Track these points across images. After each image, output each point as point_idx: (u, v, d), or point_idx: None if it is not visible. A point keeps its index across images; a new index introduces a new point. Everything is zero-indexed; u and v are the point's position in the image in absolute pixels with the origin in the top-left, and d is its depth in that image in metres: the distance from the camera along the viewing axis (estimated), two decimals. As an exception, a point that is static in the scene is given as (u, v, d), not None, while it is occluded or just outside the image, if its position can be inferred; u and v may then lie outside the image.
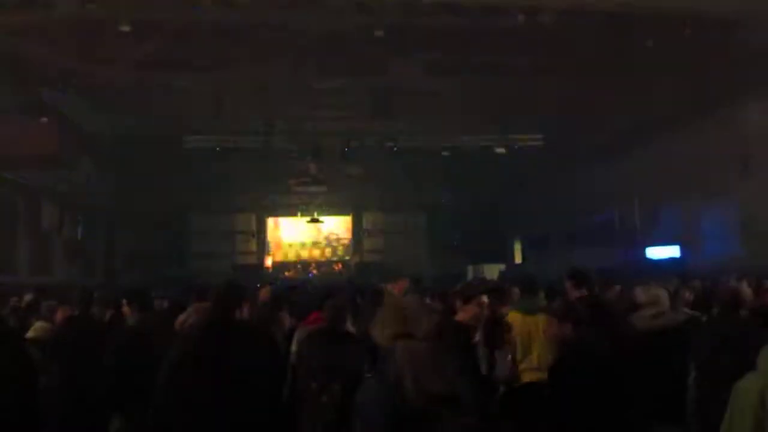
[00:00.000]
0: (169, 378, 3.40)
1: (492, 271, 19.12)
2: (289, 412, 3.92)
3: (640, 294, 5.34)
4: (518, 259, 26.17)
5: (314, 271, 27.74)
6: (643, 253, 17.41)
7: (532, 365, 4.76)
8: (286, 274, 26.82)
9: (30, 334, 5.76)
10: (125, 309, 5.41)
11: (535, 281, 5.69)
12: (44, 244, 16.54)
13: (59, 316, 6.01)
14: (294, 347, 4.73)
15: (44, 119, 12.94)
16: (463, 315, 4.03)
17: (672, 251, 16.44)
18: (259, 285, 8.34)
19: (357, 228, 29.38)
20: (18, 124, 12.52)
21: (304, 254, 29.15)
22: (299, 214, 27.93)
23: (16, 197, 15.01)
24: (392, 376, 2.50)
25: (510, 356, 4.30)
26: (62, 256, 17.66)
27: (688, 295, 6.55)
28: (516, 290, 6.23)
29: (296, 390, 4.01)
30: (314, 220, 27.57)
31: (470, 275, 19.08)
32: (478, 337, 4.37)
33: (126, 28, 12.11)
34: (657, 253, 16.94)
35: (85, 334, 5.37)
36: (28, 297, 8.33)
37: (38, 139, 12.44)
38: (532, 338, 4.84)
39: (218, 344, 3.42)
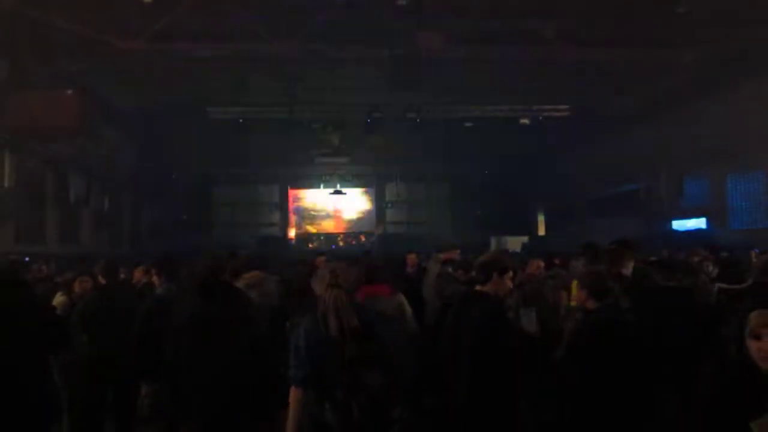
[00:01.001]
0: (175, 339, 4.07)
1: (515, 243, 19.05)
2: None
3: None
4: (541, 231, 26.02)
5: (340, 243, 27.88)
6: (669, 225, 17.22)
7: None
8: (309, 245, 26.98)
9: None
10: (154, 278, 5.49)
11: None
12: (72, 215, 16.79)
13: (77, 287, 6.11)
14: None
15: (69, 91, 13.01)
16: (493, 287, 4.02)
17: (698, 223, 16.24)
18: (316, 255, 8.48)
19: (380, 199, 29.38)
20: (43, 96, 12.61)
21: (328, 226, 29.27)
22: (322, 185, 27.99)
23: (44, 169, 15.21)
24: (320, 313, 3.33)
25: (534, 313, 4.32)
26: (89, 227, 17.93)
27: (712, 268, 6.48)
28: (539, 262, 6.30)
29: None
30: (337, 192, 27.61)
31: (493, 247, 19.02)
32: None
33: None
34: (683, 224, 16.74)
35: (113, 303, 5.47)
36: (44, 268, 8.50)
37: (63, 112, 12.54)
38: None
39: (210, 303, 4.12)
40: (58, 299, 6.15)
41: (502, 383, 3.69)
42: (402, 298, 5.34)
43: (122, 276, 6.70)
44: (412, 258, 8.63)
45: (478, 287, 4.06)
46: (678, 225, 16.93)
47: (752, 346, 2.63)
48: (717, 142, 14.98)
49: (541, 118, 20.11)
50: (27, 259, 9.69)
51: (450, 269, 6.92)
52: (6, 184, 12.91)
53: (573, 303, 5.15)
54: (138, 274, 6.86)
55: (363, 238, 28.35)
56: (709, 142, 15.28)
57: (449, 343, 4.00)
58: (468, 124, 20.65)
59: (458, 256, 7.22)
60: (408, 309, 5.29)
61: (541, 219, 26.65)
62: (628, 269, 4.98)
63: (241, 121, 19.86)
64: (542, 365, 4.07)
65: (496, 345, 3.72)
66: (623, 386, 3.61)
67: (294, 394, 3.37)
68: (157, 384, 4.63)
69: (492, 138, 22.02)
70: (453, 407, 3.82)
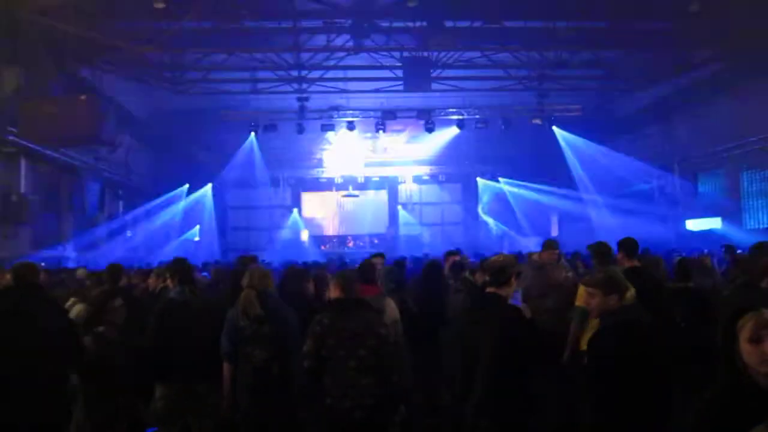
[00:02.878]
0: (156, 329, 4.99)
1: (528, 244, 18.97)
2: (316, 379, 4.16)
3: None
4: (554, 232, 25.90)
5: (350, 245, 27.88)
6: (683, 224, 17.09)
7: None
8: (322, 248, 27.01)
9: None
10: (168, 282, 5.57)
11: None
12: (88, 221, 16.92)
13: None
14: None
15: (83, 98, 13.13)
16: (506, 289, 4.07)
17: (712, 223, 16.10)
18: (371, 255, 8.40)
19: (393, 201, 29.39)
20: (58, 103, 12.73)
21: (340, 228, 29.30)
22: (335, 188, 28.03)
23: (60, 175, 15.35)
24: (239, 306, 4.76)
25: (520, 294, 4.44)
26: (105, 232, 18.06)
27: (728, 267, 6.45)
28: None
29: (322, 357, 4.11)
30: (350, 195, 27.64)
31: (506, 248, 18.99)
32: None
33: (161, 5, 12.24)
34: (697, 225, 16.60)
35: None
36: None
37: (78, 118, 12.65)
38: None
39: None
40: (77, 308, 6.18)
41: (520, 385, 3.73)
42: (387, 300, 5.38)
43: (134, 281, 6.78)
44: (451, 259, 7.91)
45: (491, 289, 4.08)
46: (692, 225, 16.78)
47: (751, 351, 2.30)
48: (731, 140, 14.86)
49: (553, 117, 20.05)
50: (43, 264, 9.80)
51: (467, 273, 6.97)
52: (22, 189, 13.04)
53: (578, 303, 5.15)
54: (152, 280, 6.94)
55: (376, 240, 28.33)
56: (723, 140, 15.17)
57: (467, 344, 4.03)
58: (480, 126, 20.63)
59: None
60: (390, 310, 5.29)
61: (554, 219, 26.52)
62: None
63: (253, 124, 19.97)
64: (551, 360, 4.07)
65: (517, 348, 3.76)
66: (644, 388, 3.60)
67: (225, 365, 4.79)
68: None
69: (505, 138, 21.99)
70: (471, 408, 3.85)
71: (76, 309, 6.13)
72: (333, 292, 4.44)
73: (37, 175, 13.98)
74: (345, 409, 4.02)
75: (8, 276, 6.01)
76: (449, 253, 8.29)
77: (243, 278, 4.99)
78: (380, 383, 4.10)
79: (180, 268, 5.45)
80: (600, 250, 5.68)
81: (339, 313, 4.25)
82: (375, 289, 5.46)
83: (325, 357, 4.11)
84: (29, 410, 3.88)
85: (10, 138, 12.50)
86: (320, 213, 29.58)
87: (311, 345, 4.15)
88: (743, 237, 13.15)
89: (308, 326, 4.25)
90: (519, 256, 6.09)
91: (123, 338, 4.73)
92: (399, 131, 23.47)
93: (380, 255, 8.05)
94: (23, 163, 13.21)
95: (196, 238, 24.85)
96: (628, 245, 5.47)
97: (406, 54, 15.76)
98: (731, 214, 15.48)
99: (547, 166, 24.70)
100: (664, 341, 3.86)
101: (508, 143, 22.53)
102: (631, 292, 3.99)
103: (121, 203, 19.44)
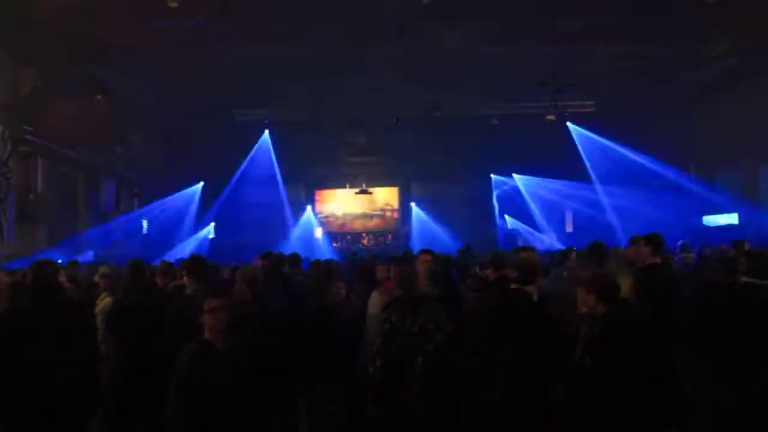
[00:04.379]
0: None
1: (542, 241, 18.90)
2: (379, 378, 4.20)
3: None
4: (569, 228, 25.76)
5: (365, 242, 27.90)
6: (700, 220, 16.92)
7: None
8: (334, 245, 27.06)
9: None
10: (185, 279, 5.59)
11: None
12: (103, 219, 17.04)
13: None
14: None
15: (98, 97, 13.21)
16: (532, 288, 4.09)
17: (730, 218, 15.92)
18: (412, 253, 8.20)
19: (406, 198, 29.35)
20: (73, 102, 12.82)
21: (354, 225, 29.33)
22: (348, 185, 28.03)
23: (76, 173, 15.46)
24: None
25: None
26: (120, 230, 18.17)
27: (745, 262, 6.34)
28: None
29: (387, 354, 4.14)
30: (363, 191, 27.63)
31: (521, 244, 18.89)
32: None
33: (174, 4, 12.26)
34: (714, 220, 16.43)
35: (141, 305, 5.55)
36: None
37: (93, 117, 12.75)
38: None
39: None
40: (104, 300, 6.24)
41: (541, 380, 3.73)
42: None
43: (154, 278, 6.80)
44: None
45: (516, 286, 4.08)
46: (709, 221, 16.60)
47: None
48: (750, 134, 14.68)
49: (567, 114, 19.90)
50: (60, 261, 9.87)
51: (477, 269, 6.88)
52: (39, 188, 13.14)
53: (584, 309, 5.11)
54: (160, 279, 6.94)
55: (390, 238, 28.32)
56: (741, 134, 14.98)
57: (490, 339, 4.04)
58: (494, 122, 20.53)
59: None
60: None
61: (568, 215, 26.35)
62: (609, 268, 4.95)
63: (266, 122, 20.00)
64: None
65: (540, 344, 3.76)
66: (643, 385, 3.58)
67: None
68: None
69: (518, 135, 21.86)
70: (492, 405, 3.86)
71: (104, 302, 6.20)
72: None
73: (53, 174, 14.09)
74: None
75: (7, 279, 6.12)
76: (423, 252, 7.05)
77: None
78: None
79: (196, 265, 5.46)
80: (595, 251, 5.61)
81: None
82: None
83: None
84: (53, 407, 3.93)
85: (27, 137, 12.61)
86: (334, 210, 29.61)
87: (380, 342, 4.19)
88: (762, 232, 12.99)
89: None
90: (603, 251, 5.87)
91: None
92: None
93: (428, 251, 6.89)
94: (40, 162, 13.32)
95: (211, 236, 24.99)
96: (656, 241, 5.38)
97: (416, 49, 15.66)
98: (750, 209, 15.29)
99: (561, 162, 24.57)
100: (663, 337, 3.86)
101: (522, 139, 22.36)
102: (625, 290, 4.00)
103: (136, 201, 19.55)
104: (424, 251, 6.78)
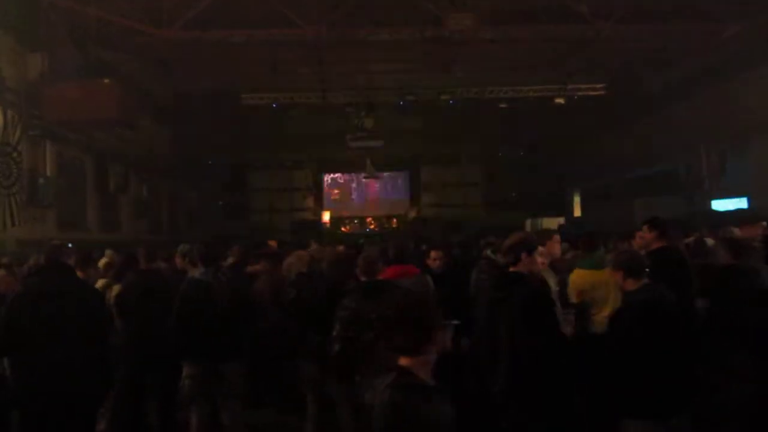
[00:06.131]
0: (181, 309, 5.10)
1: (551, 224, 18.83)
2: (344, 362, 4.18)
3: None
4: (577, 212, 25.66)
5: (372, 226, 27.89)
6: (709, 204, 16.82)
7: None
8: (342, 229, 27.07)
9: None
10: (183, 263, 5.64)
11: (593, 237, 5.60)
12: (112, 203, 17.10)
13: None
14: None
15: (106, 81, 13.20)
16: (525, 267, 4.02)
17: (739, 203, 15.81)
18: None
19: (414, 182, 29.30)
20: (81, 87, 12.82)
21: (361, 209, 29.31)
22: (356, 169, 27.99)
23: (84, 158, 15.49)
24: None
25: (573, 315, 4.56)
26: (128, 214, 18.25)
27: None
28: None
29: (348, 340, 4.16)
30: (371, 175, 27.59)
31: (528, 228, 18.85)
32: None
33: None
34: (724, 205, 16.32)
35: (151, 288, 5.59)
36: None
37: (101, 101, 12.74)
38: (604, 292, 4.90)
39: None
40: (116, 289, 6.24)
41: (544, 367, 3.69)
42: (428, 278, 5.48)
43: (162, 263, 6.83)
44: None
45: (511, 269, 4.06)
46: (719, 205, 16.48)
47: None
48: (760, 118, 14.54)
49: (576, 97, 19.79)
50: (70, 245, 9.92)
51: (489, 251, 6.80)
52: (48, 173, 13.18)
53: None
54: (179, 261, 6.95)
55: (395, 221, 28.30)
56: (752, 117, 14.84)
57: (487, 325, 4.01)
58: (503, 105, 20.44)
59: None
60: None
61: (576, 200, 26.25)
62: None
63: (274, 106, 19.97)
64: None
65: (539, 326, 3.72)
66: (666, 366, 3.59)
67: None
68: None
69: (527, 118, 21.77)
70: (494, 392, 3.84)
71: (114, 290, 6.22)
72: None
73: (62, 159, 14.13)
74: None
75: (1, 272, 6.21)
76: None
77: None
78: None
79: (205, 249, 5.49)
80: (587, 240, 5.59)
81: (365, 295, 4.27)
82: (414, 269, 5.49)
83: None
84: (74, 383, 3.97)
85: (36, 122, 12.64)
86: (341, 194, 29.60)
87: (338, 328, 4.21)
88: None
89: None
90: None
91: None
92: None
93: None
94: (48, 146, 13.34)
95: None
96: (659, 225, 5.37)
97: (425, 32, 15.56)
98: (761, 193, 15.17)
99: (570, 146, 24.48)
100: (684, 320, 3.85)
101: (531, 123, 22.27)
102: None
103: (144, 186, 19.60)
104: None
